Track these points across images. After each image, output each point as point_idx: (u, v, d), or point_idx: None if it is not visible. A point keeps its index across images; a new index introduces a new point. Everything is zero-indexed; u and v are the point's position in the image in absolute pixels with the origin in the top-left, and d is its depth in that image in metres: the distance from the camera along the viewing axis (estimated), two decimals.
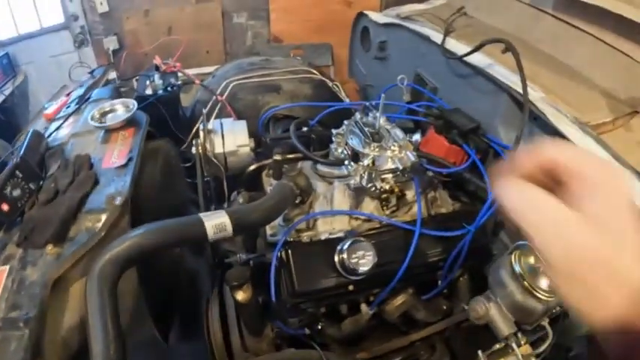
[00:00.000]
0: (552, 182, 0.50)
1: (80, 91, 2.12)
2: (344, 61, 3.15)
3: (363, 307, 1.34)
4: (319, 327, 1.28)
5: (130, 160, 1.32)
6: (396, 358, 1.42)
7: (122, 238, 0.93)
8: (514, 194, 0.50)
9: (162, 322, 1.46)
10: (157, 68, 2.51)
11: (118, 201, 1.19)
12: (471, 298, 1.30)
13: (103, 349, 0.81)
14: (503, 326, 1.13)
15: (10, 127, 3.37)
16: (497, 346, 1.15)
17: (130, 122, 1.52)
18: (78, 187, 1.23)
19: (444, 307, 1.48)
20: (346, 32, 2.80)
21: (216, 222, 0.98)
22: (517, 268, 1.08)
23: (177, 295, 1.67)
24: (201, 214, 0.99)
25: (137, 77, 2.39)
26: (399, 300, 1.35)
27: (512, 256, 1.10)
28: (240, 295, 1.13)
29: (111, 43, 4.16)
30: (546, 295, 1.05)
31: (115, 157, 1.35)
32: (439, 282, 1.43)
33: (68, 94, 2.19)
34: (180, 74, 2.53)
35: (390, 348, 1.41)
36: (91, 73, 2.53)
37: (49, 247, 1.15)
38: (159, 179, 1.53)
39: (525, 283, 1.07)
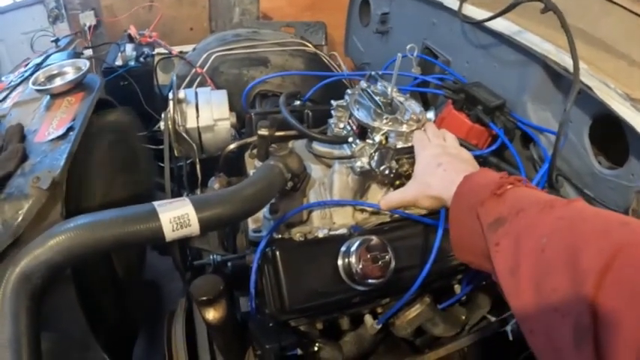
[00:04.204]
0: None
1: (38, 60, 1.84)
2: (339, 43, 2.99)
3: (368, 319, 1.10)
4: (315, 349, 1.01)
5: (69, 129, 1.03)
6: None
7: (45, 236, 0.68)
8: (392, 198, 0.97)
9: (118, 342, 1.18)
10: (131, 39, 2.25)
11: (45, 184, 0.90)
12: (491, 304, 1.26)
13: None
14: None
15: None
16: None
17: (79, 86, 1.23)
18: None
19: (463, 317, 1.25)
20: (341, 11, 2.67)
21: (175, 214, 0.71)
22: None
23: (137, 306, 1.39)
24: (156, 203, 0.72)
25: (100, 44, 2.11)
26: (413, 312, 1.11)
27: None
28: (211, 314, 0.85)
29: (87, 19, 3.89)
30: None
31: (52, 127, 1.06)
32: (455, 287, 1.21)
33: (26, 65, 1.92)
34: (158, 49, 2.28)
35: None
36: (55, 42, 2.24)
37: None
38: (113, 158, 1.24)
39: None
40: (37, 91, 1.23)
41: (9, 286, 0.65)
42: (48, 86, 1.24)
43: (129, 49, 2.09)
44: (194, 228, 0.74)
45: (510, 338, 1.17)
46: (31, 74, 1.56)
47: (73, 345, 1.02)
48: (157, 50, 2.29)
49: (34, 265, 0.66)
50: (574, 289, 0.51)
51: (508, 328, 1.18)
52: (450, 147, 0.98)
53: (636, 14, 1.30)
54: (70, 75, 1.29)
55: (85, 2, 3.91)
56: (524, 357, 1.15)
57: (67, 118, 1.08)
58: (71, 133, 1.04)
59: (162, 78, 2.17)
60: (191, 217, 0.73)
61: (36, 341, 0.65)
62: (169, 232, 0.72)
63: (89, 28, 3.77)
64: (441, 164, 0.90)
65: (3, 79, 1.89)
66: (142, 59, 1.99)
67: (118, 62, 2.00)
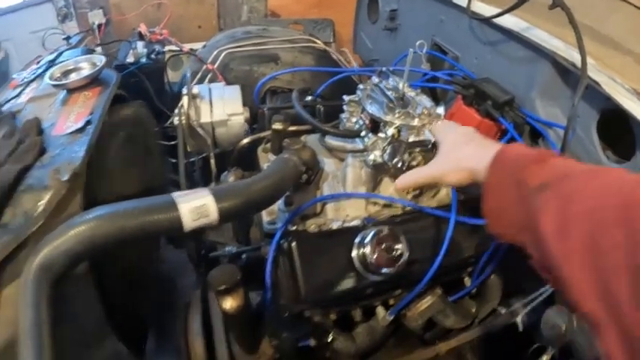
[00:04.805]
0: None
1: (51, 57, 1.85)
2: (346, 40, 3.00)
3: (380, 311, 1.11)
4: (329, 339, 1.02)
5: (88, 123, 1.04)
6: None
7: (65, 226, 0.68)
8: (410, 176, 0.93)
9: (133, 332, 1.19)
10: (142, 37, 2.27)
11: (65, 176, 0.91)
12: (501, 297, 1.26)
13: None
14: None
15: None
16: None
17: (95, 81, 1.24)
18: (17, 159, 0.95)
19: (473, 310, 1.26)
20: (349, 8, 2.65)
21: (195, 204, 0.72)
22: None
23: (151, 297, 1.40)
24: (175, 194, 0.73)
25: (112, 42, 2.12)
26: (425, 304, 1.12)
27: None
28: (229, 304, 0.87)
29: (96, 17, 3.91)
30: None
31: (70, 120, 1.07)
32: (465, 279, 1.23)
33: (38, 62, 1.94)
34: (169, 47, 2.30)
35: None
36: (67, 39, 2.26)
37: None
38: (129, 152, 1.25)
39: None
40: (54, 86, 1.24)
41: (30, 276, 0.65)
42: (64, 81, 1.26)
43: (140, 46, 2.10)
44: (213, 218, 0.75)
45: (520, 329, 1.18)
46: (45, 71, 1.57)
47: (89, 333, 1.02)
48: (167, 48, 2.31)
49: (54, 254, 0.66)
50: (630, 246, 0.51)
51: (518, 319, 1.19)
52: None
53: None
54: (86, 70, 1.30)
55: (94, 1, 3.91)
56: (534, 349, 1.16)
57: (85, 112, 1.09)
58: (89, 126, 1.05)
59: (171, 75, 2.19)
60: (210, 207, 0.74)
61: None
62: (188, 222, 0.73)
63: (98, 26, 3.78)
64: (473, 139, 0.89)
65: (15, 76, 1.90)
66: (153, 56, 2.00)
67: (130, 59, 2.01)
